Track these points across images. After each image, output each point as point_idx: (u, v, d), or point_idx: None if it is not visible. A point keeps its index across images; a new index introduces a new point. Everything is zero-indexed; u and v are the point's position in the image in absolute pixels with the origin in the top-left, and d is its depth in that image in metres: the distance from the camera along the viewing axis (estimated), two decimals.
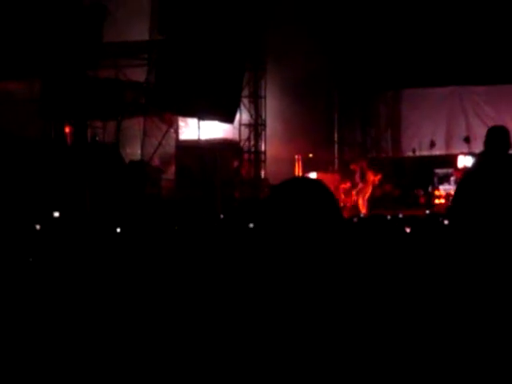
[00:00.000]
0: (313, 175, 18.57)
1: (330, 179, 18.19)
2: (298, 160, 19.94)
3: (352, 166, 19.46)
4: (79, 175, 14.45)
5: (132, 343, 2.80)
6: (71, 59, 15.44)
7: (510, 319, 2.96)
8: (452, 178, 18.99)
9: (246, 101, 19.91)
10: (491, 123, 10.48)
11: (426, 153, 21.72)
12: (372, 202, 18.95)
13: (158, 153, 18.38)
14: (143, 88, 17.91)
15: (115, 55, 17.49)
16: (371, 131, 22.84)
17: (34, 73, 16.02)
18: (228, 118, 18.92)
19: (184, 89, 17.50)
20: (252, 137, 20.24)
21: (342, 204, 17.90)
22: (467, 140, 20.82)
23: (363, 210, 18.46)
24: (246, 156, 20.11)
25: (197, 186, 17.53)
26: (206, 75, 17.64)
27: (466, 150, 20.16)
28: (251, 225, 9.34)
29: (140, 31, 17.81)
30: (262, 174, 20.22)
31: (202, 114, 18.40)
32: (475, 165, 6.04)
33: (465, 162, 18.73)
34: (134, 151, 18.16)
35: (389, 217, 12.77)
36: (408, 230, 6.94)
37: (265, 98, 20.18)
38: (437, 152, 21.54)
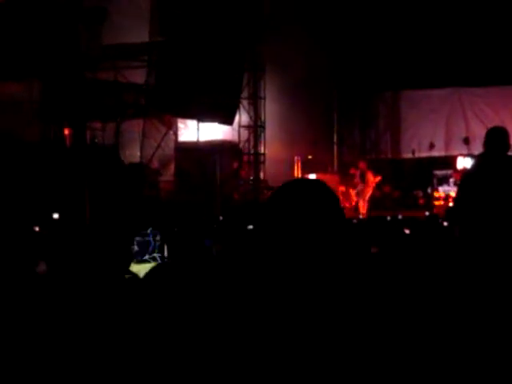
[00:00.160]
0: (312, 176, 18.57)
1: (329, 180, 18.16)
2: (298, 161, 19.95)
3: (351, 171, 19.47)
4: (78, 177, 14.44)
5: (132, 345, 2.80)
6: (70, 61, 15.44)
7: (511, 320, 2.96)
8: (451, 180, 18.99)
9: (245, 102, 19.91)
10: (490, 124, 10.46)
11: (425, 154, 21.73)
12: (371, 204, 18.95)
13: (157, 154, 18.38)
14: (142, 90, 17.91)
15: (114, 57, 17.49)
16: (370, 132, 22.86)
17: (33, 75, 16.02)
18: (227, 120, 18.92)
19: (183, 90, 17.51)
20: (251, 138, 20.24)
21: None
22: (466, 141, 20.83)
23: (363, 211, 18.46)
24: (245, 157, 20.10)
25: (196, 188, 17.53)
26: (205, 77, 17.65)
27: (465, 152, 20.17)
28: (250, 226, 9.35)
29: (139, 33, 17.80)
30: (262, 175, 20.23)
31: (201, 115, 18.40)
32: (474, 166, 6.04)
33: (464, 163, 18.72)
34: (133, 153, 18.16)
35: (388, 218, 12.78)
36: (407, 232, 6.95)
37: (264, 99, 20.18)
38: (436, 153, 21.55)
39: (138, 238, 11.35)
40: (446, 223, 8.46)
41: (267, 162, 20.22)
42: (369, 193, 18.75)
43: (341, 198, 18.92)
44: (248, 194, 19.11)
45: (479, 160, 5.96)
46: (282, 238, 1.98)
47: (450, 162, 20.08)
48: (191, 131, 19.23)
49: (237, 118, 19.31)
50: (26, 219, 10.28)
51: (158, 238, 11.66)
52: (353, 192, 18.94)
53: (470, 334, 2.65)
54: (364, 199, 18.67)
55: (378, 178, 18.96)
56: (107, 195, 14.47)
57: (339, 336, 1.94)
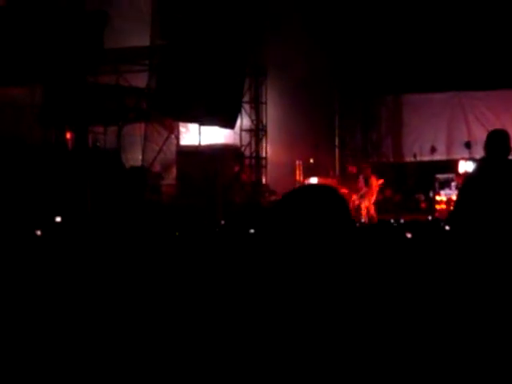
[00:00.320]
0: (313, 180, 18.58)
1: (330, 184, 18.17)
2: (299, 165, 19.95)
3: (349, 169, 19.48)
4: (80, 181, 14.44)
5: (132, 347, 2.80)
6: (72, 65, 15.45)
7: (510, 322, 2.96)
8: (453, 184, 18.99)
9: (246, 106, 19.92)
10: (492, 128, 10.47)
11: (426, 158, 21.74)
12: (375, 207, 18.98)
13: (158, 158, 18.39)
14: (144, 94, 17.92)
15: (116, 61, 17.51)
16: (372, 136, 22.86)
17: (35, 79, 16.03)
18: (229, 124, 18.93)
19: (185, 94, 17.52)
20: (253, 142, 20.25)
21: None
22: (468, 145, 20.83)
23: (372, 214, 18.47)
24: (246, 161, 20.10)
25: (198, 192, 17.52)
26: (207, 81, 17.67)
27: (466, 156, 20.18)
28: (252, 230, 9.34)
29: (140, 37, 17.82)
30: (263, 179, 20.23)
31: (203, 119, 18.41)
32: (476, 170, 6.03)
33: (466, 167, 18.72)
34: (134, 157, 18.16)
35: (393, 221, 12.79)
36: (409, 236, 6.94)
37: (265, 103, 20.20)
38: (438, 157, 21.57)
39: None
40: (447, 227, 8.46)
41: (269, 166, 20.22)
42: (373, 196, 18.76)
43: None
44: (250, 197, 19.10)
45: (480, 164, 5.95)
46: (292, 243, 1.98)
47: (451, 165, 20.09)
48: (193, 135, 19.24)
49: (238, 121, 19.32)
50: (27, 223, 10.28)
51: None
52: (355, 195, 18.94)
53: (471, 335, 2.65)
54: (369, 202, 18.69)
55: (381, 181, 18.99)
56: (108, 199, 14.48)
57: (346, 336, 1.94)
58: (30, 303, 3.98)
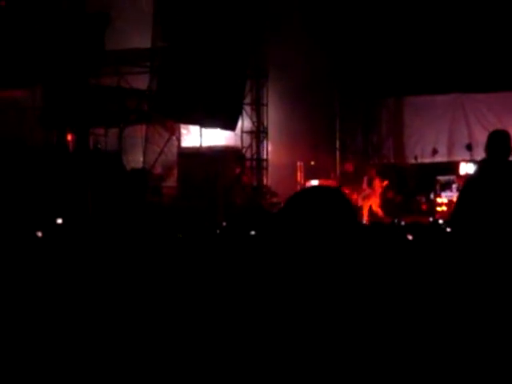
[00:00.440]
0: (314, 182, 18.57)
1: (331, 185, 18.15)
2: (300, 167, 19.95)
3: (346, 166, 19.54)
4: (81, 183, 14.45)
5: (134, 347, 2.80)
6: (73, 67, 15.46)
7: (510, 324, 2.96)
8: (454, 186, 18.97)
9: (247, 108, 19.92)
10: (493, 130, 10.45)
11: (428, 160, 21.70)
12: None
13: (160, 160, 18.39)
14: (145, 95, 17.93)
15: (117, 63, 17.53)
16: (373, 138, 22.83)
17: (36, 80, 16.05)
18: (230, 125, 18.94)
19: (186, 96, 17.53)
20: (254, 144, 20.25)
21: None
22: (469, 147, 20.81)
23: (380, 215, 18.51)
24: (247, 163, 20.09)
25: (199, 194, 17.52)
26: (208, 82, 17.68)
27: (468, 158, 20.15)
28: (253, 232, 9.34)
29: (142, 39, 17.83)
30: (264, 181, 20.22)
31: (204, 121, 18.41)
32: (477, 172, 6.03)
33: (467, 169, 18.72)
34: (136, 159, 18.16)
35: (396, 221, 12.79)
36: (410, 238, 6.94)
37: (267, 105, 20.19)
38: (439, 159, 21.53)
39: None
40: (448, 229, 8.45)
41: (270, 168, 20.22)
42: (377, 198, 18.79)
43: None
44: (251, 199, 19.10)
45: (481, 165, 5.95)
46: (299, 245, 1.98)
47: (452, 167, 20.08)
48: (194, 137, 19.24)
49: (239, 123, 19.32)
50: (29, 224, 10.28)
51: None
52: (358, 196, 18.97)
53: (471, 336, 2.65)
54: (375, 204, 18.74)
55: (385, 183, 19.02)
56: (110, 201, 14.48)
57: (349, 337, 1.94)
58: (31, 304, 3.98)
